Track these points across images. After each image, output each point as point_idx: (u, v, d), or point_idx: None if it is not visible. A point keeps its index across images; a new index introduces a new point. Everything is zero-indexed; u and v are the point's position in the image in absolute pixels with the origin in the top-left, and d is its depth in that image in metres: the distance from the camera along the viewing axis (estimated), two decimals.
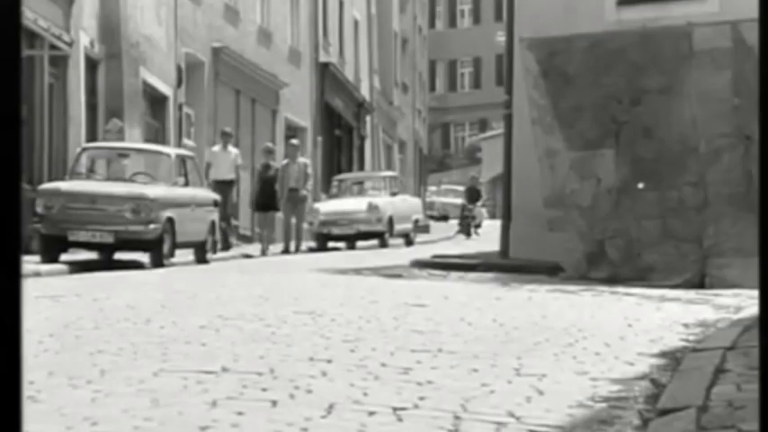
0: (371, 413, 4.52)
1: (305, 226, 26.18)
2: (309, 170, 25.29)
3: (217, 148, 24.09)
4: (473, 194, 41.91)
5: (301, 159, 25.20)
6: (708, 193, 14.73)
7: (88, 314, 8.37)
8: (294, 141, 26.41)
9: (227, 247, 22.50)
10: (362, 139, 46.58)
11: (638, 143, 15.11)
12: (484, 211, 44.49)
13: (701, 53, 14.80)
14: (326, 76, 39.24)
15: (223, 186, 22.33)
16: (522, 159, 17.24)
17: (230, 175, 23.03)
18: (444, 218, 53.57)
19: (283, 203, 24.16)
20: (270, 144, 26.86)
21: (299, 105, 36.89)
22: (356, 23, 45.91)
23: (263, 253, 22.90)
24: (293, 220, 24.59)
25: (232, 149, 23.80)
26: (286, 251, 24.00)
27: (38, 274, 14.17)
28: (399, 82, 54.83)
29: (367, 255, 23.36)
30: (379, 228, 28.58)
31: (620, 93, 15.21)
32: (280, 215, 24.66)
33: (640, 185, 15.09)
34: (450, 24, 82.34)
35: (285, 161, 24.88)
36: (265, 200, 24.00)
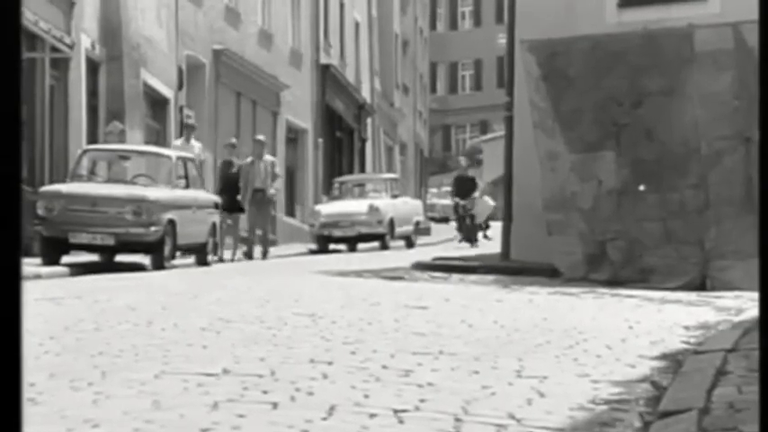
0: (372, 415, 4.52)
1: (305, 228, 25.99)
2: (278, 169, 23.03)
3: (179, 141, 22.41)
4: (464, 186, 31.15)
5: (268, 157, 22.89)
6: (709, 196, 14.72)
7: (89, 316, 8.37)
8: (260, 138, 23.88)
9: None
10: (363, 141, 46.60)
11: (639, 145, 15.10)
12: (489, 200, 32.26)
13: (702, 55, 14.79)
14: (327, 77, 39.26)
15: None
16: (524, 161, 17.23)
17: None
18: (445, 220, 53.54)
19: (248, 205, 21.95)
20: (233, 139, 24.66)
21: (299, 107, 36.89)
22: (357, 25, 45.93)
23: (221, 259, 20.83)
24: (260, 224, 22.41)
25: (195, 143, 21.86)
26: (249, 256, 21.92)
27: (39, 277, 14.17)
28: (400, 84, 54.86)
29: (368, 257, 23.35)
30: (380, 230, 28.60)
31: (621, 95, 15.21)
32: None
33: (641, 187, 15.08)
34: (452, 26, 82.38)
35: (249, 159, 22.49)
36: (228, 200, 21.44)
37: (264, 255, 22.24)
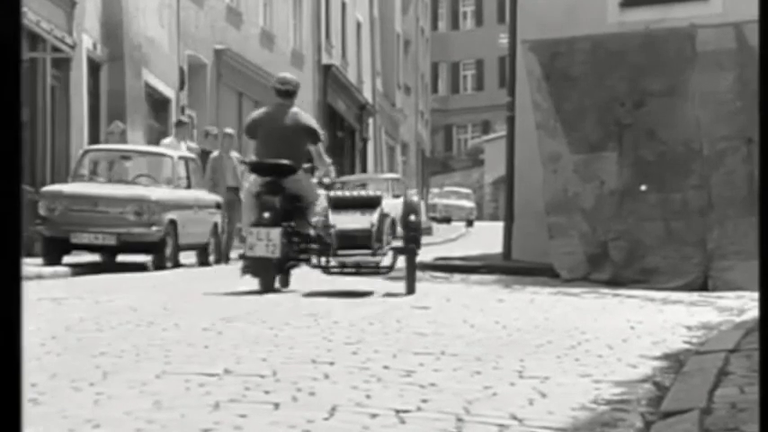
0: (374, 415, 4.52)
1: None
2: (242, 167, 19.26)
3: (168, 140, 21.32)
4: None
5: (234, 153, 20.33)
6: (711, 196, 14.71)
7: (90, 316, 8.36)
8: (229, 131, 21.60)
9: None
10: (365, 141, 46.60)
11: (641, 145, 15.10)
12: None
13: (704, 55, 14.79)
14: (329, 78, 39.26)
15: None
16: (525, 161, 17.24)
17: None
18: (447, 220, 53.57)
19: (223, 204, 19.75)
20: (212, 128, 22.78)
21: (301, 107, 36.83)
22: (359, 25, 45.92)
23: (217, 261, 19.16)
24: (232, 225, 19.66)
25: (184, 144, 20.65)
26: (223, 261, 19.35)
27: (40, 277, 14.17)
28: (402, 84, 54.86)
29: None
30: None
31: (622, 95, 15.20)
32: None
33: (643, 187, 15.08)
34: (453, 26, 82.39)
35: (216, 153, 20.52)
36: None
37: (226, 259, 19.49)
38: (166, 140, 21.67)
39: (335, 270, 11.78)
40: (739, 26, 14.35)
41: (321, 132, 12.65)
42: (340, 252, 11.51)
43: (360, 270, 11.81)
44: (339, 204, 11.75)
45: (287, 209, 11.73)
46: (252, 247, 11.33)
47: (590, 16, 17.10)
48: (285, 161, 11.83)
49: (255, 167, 12.07)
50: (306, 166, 12.18)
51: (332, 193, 12.09)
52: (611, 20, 17.26)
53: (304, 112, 13.04)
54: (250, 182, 12.60)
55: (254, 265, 11.40)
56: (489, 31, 75.08)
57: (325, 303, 9.87)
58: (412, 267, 11.69)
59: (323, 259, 11.76)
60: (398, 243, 12.02)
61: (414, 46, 57.55)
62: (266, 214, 11.53)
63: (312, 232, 11.90)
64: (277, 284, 11.65)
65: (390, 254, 11.80)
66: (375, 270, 11.83)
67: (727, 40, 14.66)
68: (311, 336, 7.30)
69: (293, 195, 11.87)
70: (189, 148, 20.58)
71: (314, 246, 11.77)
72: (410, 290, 11.53)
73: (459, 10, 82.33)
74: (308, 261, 11.96)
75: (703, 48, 14.81)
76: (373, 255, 11.54)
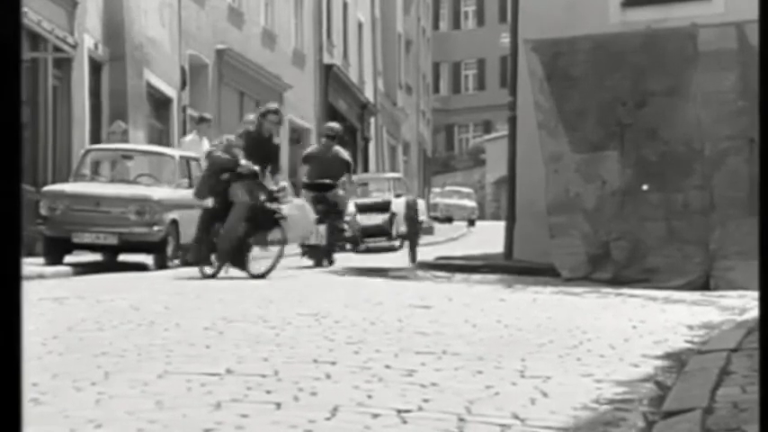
0: (376, 415, 4.52)
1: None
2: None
3: (189, 137, 21.17)
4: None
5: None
6: (713, 196, 14.70)
7: (92, 316, 8.36)
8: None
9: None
10: (366, 140, 46.59)
11: (642, 145, 15.08)
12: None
13: (706, 54, 14.77)
14: (330, 77, 39.25)
15: None
16: (527, 161, 17.22)
17: None
18: (449, 219, 53.53)
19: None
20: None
21: (303, 107, 36.87)
22: (360, 25, 45.91)
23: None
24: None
25: (206, 142, 19.58)
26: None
27: (42, 276, 14.17)
28: (403, 83, 54.85)
29: (371, 256, 23.33)
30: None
31: (624, 95, 15.19)
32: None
33: (645, 187, 15.06)
34: (455, 26, 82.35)
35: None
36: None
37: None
38: (188, 138, 21.60)
39: (362, 250, 19.94)
40: (741, 26, 14.33)
41: (352, 163, 18.65)
42: (365, 239, 20.01)
43: (377, 250, 20.04)
44: (363, 209, 20.75)
45: (328, 212, 17.11)
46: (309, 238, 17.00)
47: (591, 16, 17.09)
48: (328, 181, 17.54)
49: (309, 185, 17.80)
50: (339, 181, 17.55)
51: (358, 201, 21.96)
52: (613, 20, 17.25)
53: (342, 149, 18.69)
54: (302, 194, 17.80)
55: (309, 250, 17.04)
56: (491, 31, 74.99)
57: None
58: (413, 247, 19.37)
59: (353, 245, 20.03)
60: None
61: (415, 46, 57.56)
62: (317, 216, 16.56)
63: (345, 228, 18.12)
64: (325, 262, 17.10)
65: (398, 239, 20.19)
66: (387, 249, 19.66)
67: (728, 39, 14.64)
68: (313, 335, 7.30)
69: (332, 203, 17.38)
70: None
71: (347, 237, 18.93)
72: (413, 260, 18.71)
73: (461, 10, 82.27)
74: (341, 247, 18.16)
75: (705, 47, 14.79)
76: (387, 240, 19.95)
